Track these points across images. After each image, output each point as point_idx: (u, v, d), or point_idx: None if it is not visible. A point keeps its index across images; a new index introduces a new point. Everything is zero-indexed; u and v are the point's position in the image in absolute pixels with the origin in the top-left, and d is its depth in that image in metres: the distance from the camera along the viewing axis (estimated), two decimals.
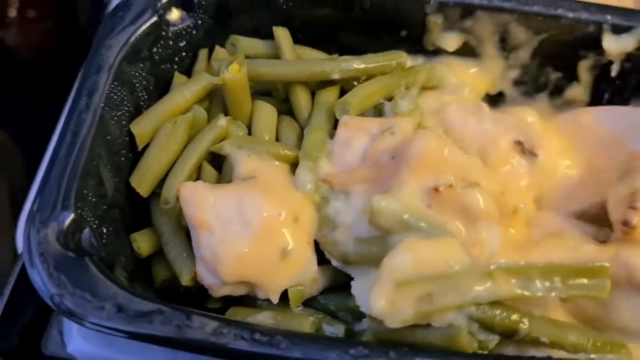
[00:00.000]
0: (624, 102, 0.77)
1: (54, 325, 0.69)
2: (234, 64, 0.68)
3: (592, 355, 0.57)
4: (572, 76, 0.77)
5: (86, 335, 0.67)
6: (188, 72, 0.75)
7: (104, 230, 0.63)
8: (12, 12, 1.21)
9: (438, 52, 0.76)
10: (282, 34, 0.73)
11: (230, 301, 0.65)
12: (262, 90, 0.74)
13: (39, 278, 0.56)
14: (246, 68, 0.68)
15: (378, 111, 0.72)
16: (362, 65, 0.71)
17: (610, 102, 0.78)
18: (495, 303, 0.57)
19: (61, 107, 1.16)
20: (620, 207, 0.62)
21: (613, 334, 0.61)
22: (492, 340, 0.58)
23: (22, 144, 1.19)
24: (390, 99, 0.71)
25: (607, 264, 0.57)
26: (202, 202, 0.62)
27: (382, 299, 0.56)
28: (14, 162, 1.20)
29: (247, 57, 0.71)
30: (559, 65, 0.76)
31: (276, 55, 0.73)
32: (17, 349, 0.66)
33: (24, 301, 0.69)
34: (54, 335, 0.68)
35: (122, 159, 0.68)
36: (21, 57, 1.26)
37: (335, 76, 0.70)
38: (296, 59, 0.73)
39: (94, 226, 0.61)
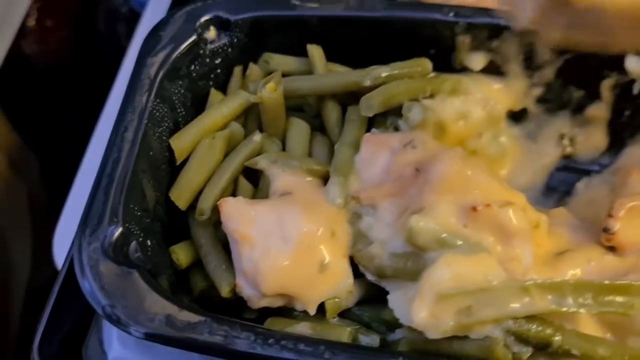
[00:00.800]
0: None
1: (93, 333, 0.70)
2: (271, 83, 0.70)
3: None
4: (594, 94, 0.79)
5: (125, 342, 0.69)
6: (223, 88, 0.77)
7: (148, 243, 0.65)
8: (31, 22, 1.24)
9: (465, 70, 0.79)
10: (315, 51, 0.76)
11: (266, 312, 0.67)
12: (295, 106, 0.77)
13: (91, 290, 0.58)
14: (282, 86, 0.71)
15: (394, 127, 0.74)
16: (390, 72, 0.73)
17: (630, 119, 0.80)
18: (530, 317, 0.60)
19: (77, 113, 1.18)
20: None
21: (635, 337, 0.64)
22: (526, 352, 0.60)
23: (39, 150, 1.21)
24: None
25: (637, 283, 0.60)
26: (243, 217, 0.64)
27: (424, 310, 0.58)
28: (32, 168, 1.22)
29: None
30: (582, 84, 0.79)
31: (309, 72, 0.76)
32: (59, 357, 0.68)
33: (65, 310, 0.70)
34: (94, 342, 0.70)
35: (163, 173, 0.70)
36: (39, 65, 1.28)
37: (367, 84, 0.72)
38: (328, 72, 0.75)
39: (140, 239, 0.63)
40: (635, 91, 0.78)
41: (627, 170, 0.71)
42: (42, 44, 1.27)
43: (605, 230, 0.66)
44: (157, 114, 0.69)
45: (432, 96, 0.74)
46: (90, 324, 0.71)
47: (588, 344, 0.61)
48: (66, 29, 1.28)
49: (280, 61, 0.76)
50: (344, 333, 0.63)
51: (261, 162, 0.69)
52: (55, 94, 1.25)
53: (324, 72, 0.74)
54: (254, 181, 0.72)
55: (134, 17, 1.14)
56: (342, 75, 0.74)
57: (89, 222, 0.62)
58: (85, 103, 1.10)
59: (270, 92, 0.70)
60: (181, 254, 0.69)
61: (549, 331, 0.60)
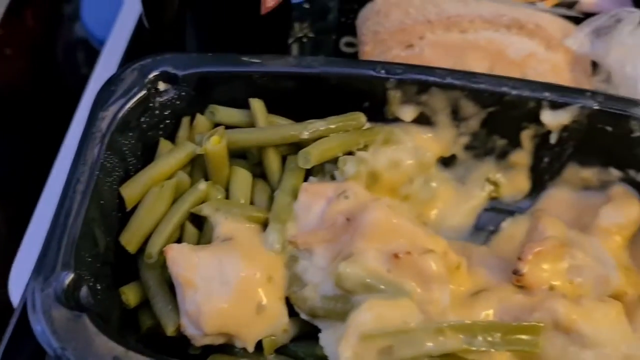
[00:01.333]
0: (561, 165, 0.87)
1: None
2: (215, 136, 0.76)
3: None
4: (516, 143, 0.86)
5: None
6: (172, 137, 0.82)
7: (98, 287, 0.70)
8: None
9: (397, 120, 0.86)
10: (257, 105, 0.81)
11: (209, 348, 0.73)
12: (238, 152, 0.83)
13: (44, 333, 0.63)
14: (226, 139, 0.76)
15: (330, 176, 0.80)
16: (326, 126, 0.79)
17: (549, 164, 0.88)
18: (446, 355, 0.66)
19: (37, 143, 1.20)
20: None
21: None
22: None
23: None
24: (349, 154, 0.80)
25: (541, 324, 0.67)
26: (187, 262, 0.70)
27: (349, 350, 0.65)
28: None
29: (224, 124, 0.80)
30: (504, 133, 0.86)
31: (251, 123, 0.82)
32: None
33: (19, 350, 0.75)
34: None
35: (113, 219, 0.75)
36: None
37: (304, 136, 0.79)
38: (268, 126, 0.81)
39: (90, 283, 0.69)
40: (552, 141, 0.85)
41: (538, 215, 0.78)
42: (1, 73, 1.30)
43: (515, 272, 0.73)
44: (108, 165, 0.74)
45: (366, 147, 0.81)
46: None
47: None
48: (25, 59, 1.31)
49: (225, 113, 0.82)
50: None
51: (205, 210, 0.75)
52: (14, 124, 1.27)
53: (265, 125, 0.80)
54: (199, 226, 0.77)
55: (94, 48, 1.18)
56: (281, 129, 0.80)
57: (42, 269, 0.66)
58: (44, 133, 1.13)
59: (214, 145, 0.76)
60: (130, 295, 0.74)
61: None
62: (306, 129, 0.78)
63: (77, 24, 1.34)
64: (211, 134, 0.76)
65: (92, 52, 1.20)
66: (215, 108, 0.82)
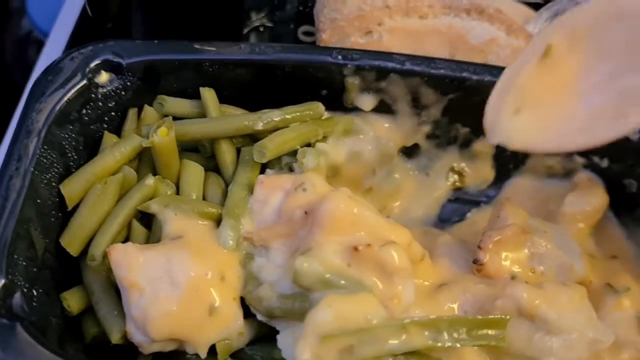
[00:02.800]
0: (525, 153, 0.84)
1: None
2: (163, 128, 0.71)
3: None
4: (479, 131, 0.83)
5: None
6: (117, 131, 0.77)
7: (34, 293, 0.65)
8: None
9: (356, 109, 0.82)
10: (208, 94, 0.77)
11: (159, 356, 0.68)
12: (190, 146, 0.78)
13: None
14: (174, 131, 0.72)
15: (288, 168, 0.76)
16: (282, 116, 0.75)
17: (513, 152, 0.84)
18: (411, 353, 0.63)
19: None
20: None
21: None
22: None
23: None
24: (308, 145, 0.75)
25: (507, 317, 0.64)
26: (131, 263, 0.65)
27: (307, 352, 0.60)
28: None
29: (174, 116, 0.75)
30: (467, 121, 0.83)
31: (203, 114, 0.77)
32: None
33: None
34: None
35: (52, 219, 0.70)
36: None
37: (259, 127, 0.74)
38: (221, 116, 0.77)
39: (25, 290, 0.63)
40: None
41: (501, 203, 0.75)
42: None
43: (475, 261, 0.69)
44: (45, 161, 0.69)
45: (325, 138, 0.77)
46: None
47: None
48: None
49: (174, 104, 0.77)
50: None
51: (153, 207, 0.70)
52: None
53: (217, 115, 0.76)
54: (148, 225, 0.72)
55: (42, 45, 1.13)
56: (234, 119, 0.75)
57: None
58: None
59: (162, 137, 0.71)
60: (72, 301, 0.69)
61: None
62: (261, 120, 0.74)
63: (24, 19, 1.29)
64: (158, 125, 0.71)
65: (39, 46, 1.15)
66: (163, 99, 0.77)
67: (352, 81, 0.79)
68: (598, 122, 0.65)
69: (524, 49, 0.86)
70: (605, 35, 0.65)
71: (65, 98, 0.72)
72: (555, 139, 0.67)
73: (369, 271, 0.66)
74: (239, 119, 0.75)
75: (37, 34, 1.20)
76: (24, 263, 0.64)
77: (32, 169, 0.67)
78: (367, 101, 0.81)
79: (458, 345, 0.64)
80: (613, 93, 0.65)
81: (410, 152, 0.86)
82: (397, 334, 0.62)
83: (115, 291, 0.68)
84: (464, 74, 0.79)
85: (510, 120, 0.67)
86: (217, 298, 0.66)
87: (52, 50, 0.99)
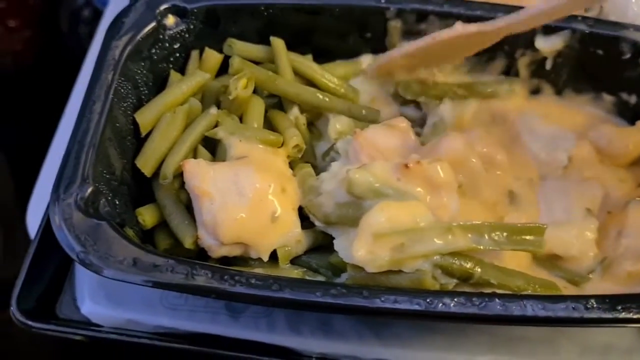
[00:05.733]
0: (558, 91, 0.90)
1: (67, 291, 0.77)
2: (244, 79, 0.78)
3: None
4: (513, 71, 0.90)
5: (97, 298, 0.76)
6: (182, 70, 0.85)
7: (116, 202, 0.73)
8: None
9: None
10: (278, 44, 0.84)
11: (225, 263, 0.75)
12: None
13: (66, 239, 0.65)
14: (253, 84, 0.78)
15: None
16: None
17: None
18: (454, 253, 0.69)
19: (42, 111, 1.23)
20: None
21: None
22: (451, 283, 0.69)
23: (6, 146, 1.26)
24: None
25: (545, 225, 0.70)
26: (203, 174, 0.72)
27: (363, 248, 0.67)
28: None
29: (242, 58, 0.82)
30: (501, 62, 0.89)
31: (269, 59, 0.84)
32: (36, 312, 0.74)
33: (40, 270, 0.77)
34: (68, 299, 0.76)
35: (129, 143, 0.77)
36: (3, 64, 1.33)
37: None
38: (298, 84, 0.82)
39: (109, 198, 0.71)
40: (547, 67, 0.88)
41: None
42: (6, 44, 1.33)
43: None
44: (122, 90, 0.77)
45: None
46: (64, 283, 0.78)
47: (504, 275, 0.70)
48: (30, 30, 1.33)
49: (242, 47, 0.84)
50: (292, 274, 0.72)
51: (220, 133, 0.77)
52: (20, 93, 1.31)
53: (288, 68, 0.82)
54: (212, 152, 0.79)
55: (96, 18, 1.21)
56: (311, 95, 0.82)
57: (62, 181, 0.69)
58: (50, 100, 1.16)
59: (244, 90, 0.78)
60: (147, 215, 0.76)
61: (469, 265, 0.69)
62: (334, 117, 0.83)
63: None
64: (239, 77, 0.77)
65: (95, 21, 1.22)
66: (232, 41, 0.84)
67: (395, 24, 0.86)
68: None
69: None
70: None
71: (138, 37, 0.79)
72: None
73: (417, 185, 0.72)
74: (312, 95, 0.82)
75: (95, 2, 1.28)
76: (107, 176, 0.72)
77: (111, 96, 0.75)
78: None
79: (498, 248, 0.70)
80: None
81: None
82: (443, 235, 0.68)
83: (184, 206, 0.75)
84: (498, 15, 0.85)
85: None
86: (278, 207, 0.72)
87: (115, 6, 1.08)
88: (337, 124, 0.81)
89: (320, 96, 0.82)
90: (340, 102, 0.83)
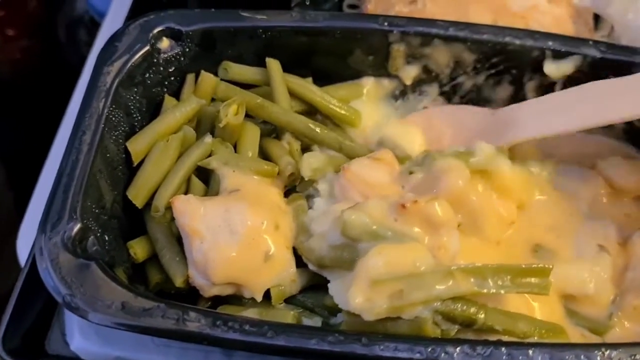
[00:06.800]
0: None
1: (55, 327, 0.75)
2: (234, 105, 0.75)
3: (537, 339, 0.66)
4: (521, 95, 0.86)
5: (87, 334, 0.73)
6: (176, 95, 0.82)
7: (106, 238, 0.70)
8: None
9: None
10: (273, 65, 0.81)
11: (218, 302, 0.72)
12: None
13: (52, 281, 0.63)
14: (244, 110, 0.76)
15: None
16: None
17: None
18: (456, 298, 0.66)
19: (40, 119, 1.22)
20: None
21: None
22: (453, 329, 0.66)
23: (3, 156, 1.25)
24: None
25: (550, 266, 0.67)
26: (193, 212, 0.69)
27: (360, 296, 0.64)
28: None
29: (236, 81, 0.80)
30: (508, 86, 0.86)
31: (265, 82, 0.81)
32: (23, 350, 0.72)
33: (28, 306, 0.75)
34: (56, 335, 0.74)
35: (120, 174, 0.75)
36: (1, 73, 1.32)
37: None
38: (290, 112, 0.79)
39: (98, 234, 0.68)
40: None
41: None
42: (4, 53, 1.31)
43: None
44: (113, 118, 0.74)
45: None
46: (52, 319, 0.76)
47: (509, 320, 0.67)
48: (28, 39, 1.32)
49: (238, 70, 0.81)
50: (288, 316, 0.69)
51: (213, 163, 0.75)
52: (18, 101, 1.29)
53: (283, 91, 0.79)
54: (206, 181, 0.77)
55: (94, 26, 1.19)
56: (300, 121, 0.79)
57: (49, 218, 0.66)
58: (47, 109, 1.15)
59: (235, 116, 0.75)
60: (138, 249, 0.74)
61: (472, 310, 0.66)
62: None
63: (78, 1, 1.35)
64: (229, 104, 0.75)
65: (93, 28, 1.20)
66: (228, 64, 0.81)
67: (398, 47, 0.83)
68: None
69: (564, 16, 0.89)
70: None
71: (131, 62, 0.77)
72: None
73: (415, 225, 0.69)
74: (305, 124, 0.79)
75: (93, 13, 1.26)
76: (96, 211, 0.70)
77: (102, 125, 0.72)
78: (410, 72, 0.84)
79: (502, 292, 0.67)
80: None
81: None
82: (444, 279, 0.65)
83: (177, 240, 0.73)
84: (507, 39, 0.81)
85: None
86: (272, 245, 0.70)
87: (111, 24, 1.05)
88: (310, 160, 0.77)
89: (312, 126, 0.79)
90: (332, 136, 0.80)
